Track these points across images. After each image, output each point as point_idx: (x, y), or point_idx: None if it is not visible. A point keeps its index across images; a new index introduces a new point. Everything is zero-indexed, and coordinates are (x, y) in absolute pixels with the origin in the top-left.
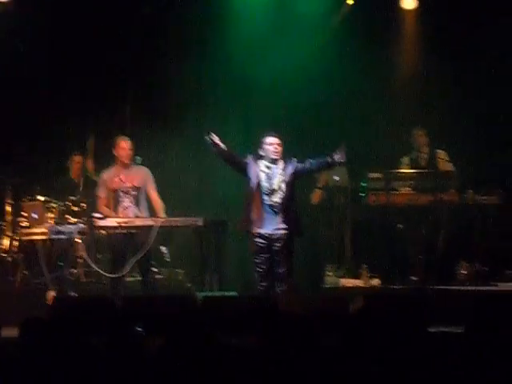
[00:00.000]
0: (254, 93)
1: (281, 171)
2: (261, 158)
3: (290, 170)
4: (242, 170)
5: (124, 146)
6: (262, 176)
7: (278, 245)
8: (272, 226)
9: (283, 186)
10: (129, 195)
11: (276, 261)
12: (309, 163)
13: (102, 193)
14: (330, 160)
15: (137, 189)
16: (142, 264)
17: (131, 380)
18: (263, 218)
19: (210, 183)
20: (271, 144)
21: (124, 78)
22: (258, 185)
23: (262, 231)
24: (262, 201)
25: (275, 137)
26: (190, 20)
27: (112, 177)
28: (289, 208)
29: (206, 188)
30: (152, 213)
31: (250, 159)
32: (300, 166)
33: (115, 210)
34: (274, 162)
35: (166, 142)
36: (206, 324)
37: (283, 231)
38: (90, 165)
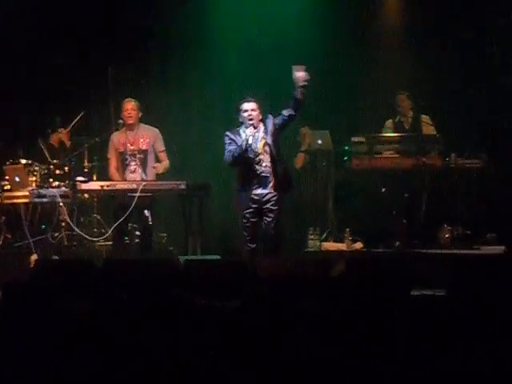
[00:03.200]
0: (244, 58)
1: (262, 134)
2: (241, 125)
3: (270, 127)
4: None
5: (127, 106)
6: (251, 143)
7: (268, 205)
8: (262, 189)
9: (267, 148)
10: (135, 158)
11: (266, 222)
12: (282, 112)
13: (110, 154)
14: (294, 93)
15: (143, 152)
16: (123, 227)
17: (112, 343)
18: (253, 183)
19: (195, 147)
20: (245, 110)
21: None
22: (245, 157)
23: (252, 194)
24: (251, 170)
25: (249, 102)
26: None
27: (119, 138)
28: (277, 168)
29: (191, 151)
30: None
31: (229, 135)
32: (276, 119)
33: (123, 173)
34: (254, 127)
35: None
36: (187, 287)
37: (272, 193)
38: (65, 136)
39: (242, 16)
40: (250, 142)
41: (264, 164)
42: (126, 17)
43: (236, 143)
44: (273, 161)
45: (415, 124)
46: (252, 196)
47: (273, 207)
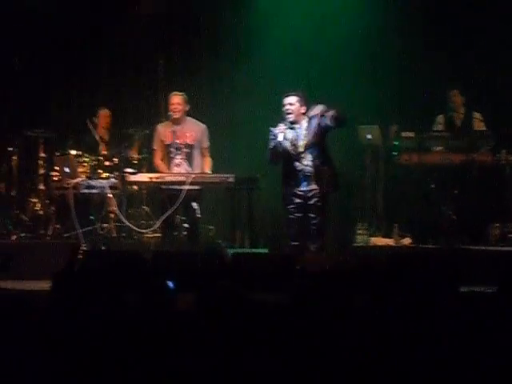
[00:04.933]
0: (283, 54)
1: (304, 132)
2: (284, 122)
3: (314, 126)
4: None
5: (173, 101)
6: (286, 143)
7: (312, 202)
8: (306, 186)
9: (310, 146)
10: (180, 152)
11: (310, 217)
12: (330, 116)
13: (156, 145)
14: (326, 122)
15: (189, 146)
16: (172, 219)
17: (162, 336)
18: (297, 179)
19: (242, 139)
20: (284, 105)
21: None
22: (286, 153)
23: (297, 190)
24: (293, 167)
25: (288, 96)
26: None
27: (165, 130)
28: (321, 167)
29: (238, 144)
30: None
31: (272, 130)
32: (323, 119)
33: (168, 165)
34: (293, 122)
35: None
36: (235, 281)
37: (317, 190)
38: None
39: (291, 9)
40: (279, 138)
41: (305, 162)
42: (178, 9)
43: (277, 139)
44: (315, 159)
45: (466, 120)
46: (296, 191)
47: (317, 203)
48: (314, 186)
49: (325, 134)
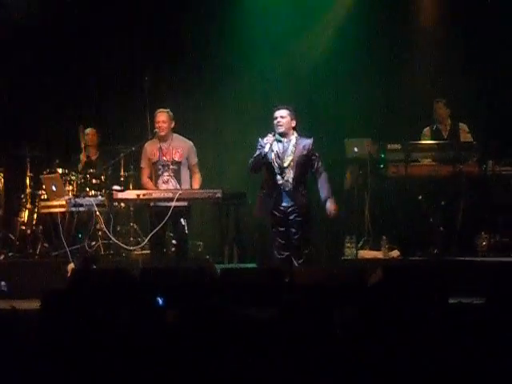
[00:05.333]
0: (279, 67)
1: (292, 148)
2: (273, 133)
3: (302, 148)
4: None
5: (159, 118)
6: (271, 155)
7: (292, 217)
8: (286, 201)
9: (293, 164)
10: (168, 169)
11: (292, 232)
12: (317, 174)
13: (143, 163)
14: (322, 199)
15: (177, 163)
16: (160, 236)
17: (150, 351)
18: (278, 194)
19: (230, 155)
20: (275, 117)
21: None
22: (270, 165)
23: (277, 205)
24: (274, 180)
25: (279, 109)
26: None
27: (152, 148)
28: (297, 188)
29: (225, 160)
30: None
31: (260, 141)
32: (313, 161)
33: (156, 182)
34: (282, 135)
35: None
36: (224, 296)
37: (297, 206)
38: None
39: (279, 24)
40: (265, 149)
41: (286, 178)
42: (162, 24)
43: (262, 150)
44: (295, 178)
45: (453, 132)
46: (277, 206)
47: (297, 218)
48: (292, 202)
49: (307, 164)
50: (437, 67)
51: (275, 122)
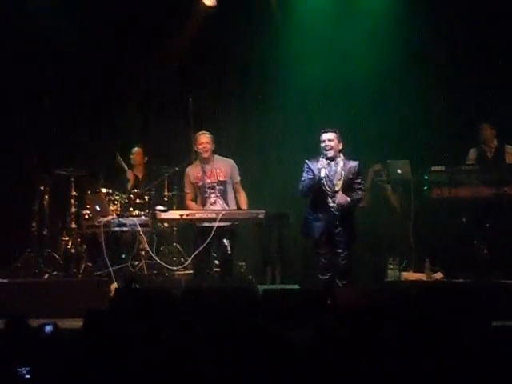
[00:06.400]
0: (322, 88)
1: (340, 170)
2: (320, 156)
3: (348, 171)
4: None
5: (202, 140)
6: (323, 179)
7: (340, 238)
8: (337, 223)
9: (345, 187)
10: (214, 190)
11: (337, 253)
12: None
13: (187, 188)
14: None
15: (222, 183)
16: (203, 256)
17: (191, 371)
18: (329, 216)
19: (272, 175)
20: (323, 141)
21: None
22: (320, 188)
23: (326, 225)
24: (326, 203)
25: (327, 132)
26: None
27: (195, 172)
28: (347, 211)
29: (267, 180)
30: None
31: (308, 163)
32: (359, 183)
33: (204, 205)
34: (330, 159)
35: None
36: (266, 317)
37: (345, 227)
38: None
39: (324, 45)
40: (321, 174)
41: (337, 201)
42: (206, 46)
43: (313, 172)
44: (342, 203)
45: (498, 154)
46: (324, 226)
47: (344, 239)
48: (341, 224)
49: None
50: (480, 87)
51: (323, 145)
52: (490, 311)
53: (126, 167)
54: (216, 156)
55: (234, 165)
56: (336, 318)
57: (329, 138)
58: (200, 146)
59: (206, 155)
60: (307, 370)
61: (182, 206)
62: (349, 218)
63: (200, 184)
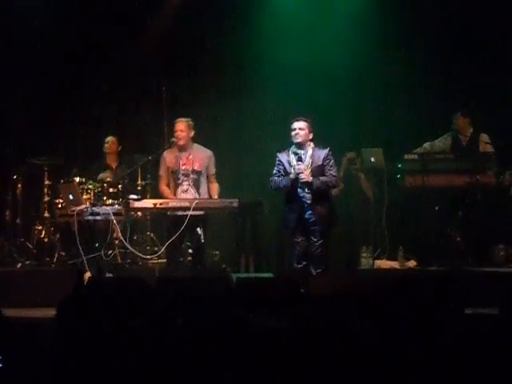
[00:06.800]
0: (296, 77)
1: (309, 159)
2: (292, 145)
3: (317, 159)
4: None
5: (177, 127)
6: (292, 169)
7: (314, 227)
8: (309, 212)
9: (313, 176)
10: (188, 178)
11: (312, 241)
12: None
13: (162, 171)
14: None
15: (197, 172)
16: (176, 245)
17: (165, 359)
18: (301, 206)
19: (246, 164)
20: (294, 129)
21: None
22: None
23: (299, 215)
24: (296, 193)
25: (298, 121)
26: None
27: (171, 157)
28: (318, 198)
29: (241, 169)
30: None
31: (278, 156)
32: (327, 166)
33: (175, 191)
34: (299, 147)
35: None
36: (239, 306)
37: (318, 216)
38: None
39: (296, 36)
40: (292, 176)
41: (307, 190)
42: (179, 35)
43: (283, 165)
44: (314, 192)
45: (472, 142)
46: (298, 216)
47: (318, 228)
48: (314, 213)
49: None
50: (455, 77)
51: (293, 133)
52: (463, 299)
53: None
54: (195, 145)
55: (212, 156)
56: (310, 307)
57: (299, 126)
58: (176, 133)
59: (180, 142)
60: (282, 358)
61: (155, 194)
62: (323, 207)
63: (175, 169)
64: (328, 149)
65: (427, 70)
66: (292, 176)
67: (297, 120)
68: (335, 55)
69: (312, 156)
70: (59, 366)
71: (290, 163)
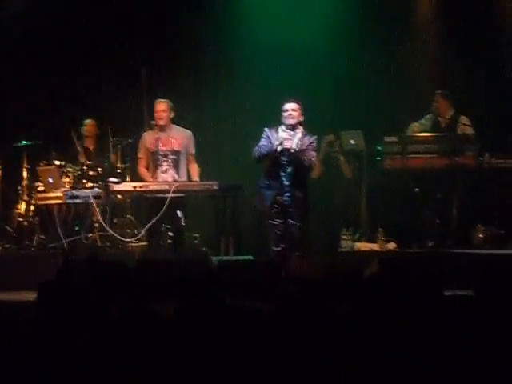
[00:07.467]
0: (275, 60)
1: (297, 141)
2: (281, 124)
3: (306, 141)
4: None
5: (157, 108)
6: (280, 151)
7: (292, 209)
8: (288, 194)
9: (298, 158)
10: (167, 158)
11: (290, 224)
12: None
13: (141, 153)
14: None
15: (176, 152)
16: (156, 228)
17: (145, 345)
18: (279, 186)
19: (226, 147)
20: (286, 110)
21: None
22: (276, 157)
23: (278, 196)
24: (277, 172)
25: (291, 102)
26: None
27: (151, 138)
28: (298, 181)
29: (221, 151)
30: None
31: (266, 131)
32: (309, 149)
33: (154, 172)
34: (291, 128)
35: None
36: (220, 289)
37: (296, 198)
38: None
39: (276, 18)
40: (278, 149)
41: (288, 170)
42: (159, 16)
43: (270, 141)
44: (295, 173)
45: (452, 124)
46: (277, 197)
47: (296, 210)
48: (292, 195)
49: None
50: (438, 55)
51: (286, 114)
52: (442, 280)
53: (78, 144)
54: (174, 126)
55: (191, 136)
56: (289, 289)
57: (292, 107)
58: (156, 114)
59: (161, 123)
60: (266, 340)
61: (135, 177)
62: (300, 191)
63: (154, 150)
64: (315, 137)
65: (407, 52)
66: (277, 143)
67: (289, 101)
68: (315, 38)
69: (301, 139)
70: (39, 349)
71: (280, 143)
